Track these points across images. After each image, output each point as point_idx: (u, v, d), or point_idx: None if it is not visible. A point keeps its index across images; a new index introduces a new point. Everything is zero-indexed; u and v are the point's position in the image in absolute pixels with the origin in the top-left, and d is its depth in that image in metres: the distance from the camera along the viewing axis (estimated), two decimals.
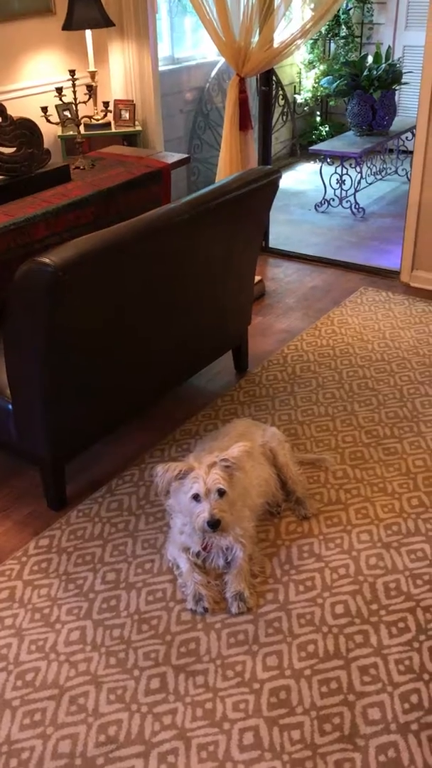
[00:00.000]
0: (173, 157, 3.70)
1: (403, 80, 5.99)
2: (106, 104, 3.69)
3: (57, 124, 3.60)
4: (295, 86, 6.88)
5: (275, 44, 4.04)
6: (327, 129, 7.04)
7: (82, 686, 1.97)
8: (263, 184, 2.88)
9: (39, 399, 2.38)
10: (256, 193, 2.87)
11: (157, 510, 2.58)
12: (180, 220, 2.54)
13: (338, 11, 6.34)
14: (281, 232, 5.25)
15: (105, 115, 3.78)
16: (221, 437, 2.53)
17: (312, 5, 5.73)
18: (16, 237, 2.87)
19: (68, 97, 3.40)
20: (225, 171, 4.11)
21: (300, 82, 6.89)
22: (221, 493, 2.12)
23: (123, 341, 2.59)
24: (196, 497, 2.12)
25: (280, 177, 3.00)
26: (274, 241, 5.02)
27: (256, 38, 4.01)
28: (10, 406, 2.47)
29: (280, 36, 4.08)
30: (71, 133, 4.19)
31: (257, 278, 4.08)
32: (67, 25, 4.15)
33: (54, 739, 1.83)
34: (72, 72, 3.34)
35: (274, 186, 2.97)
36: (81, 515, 2.61)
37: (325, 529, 2.50)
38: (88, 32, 4.24)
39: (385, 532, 2.48)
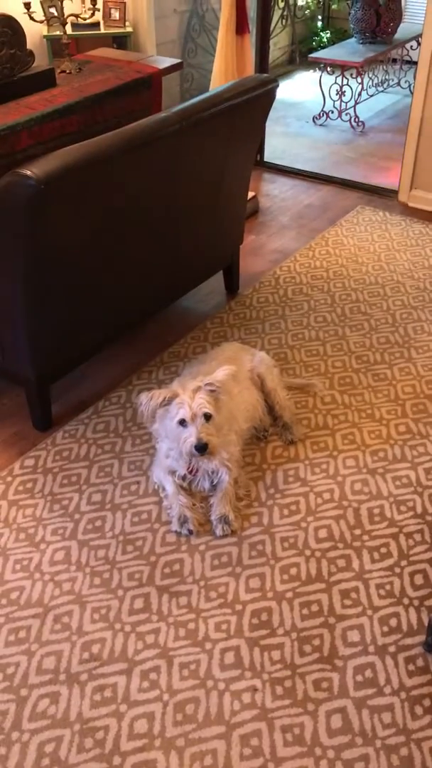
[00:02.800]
0: (165, 62, 3.49)
1: None
2: (94, 2, 3.44)
3: (41, 22, 3.37)
4: None
5: None
6: (328, 35, 6.68)
7: (66, 605, 1.99)
8: (259, 93, 2.72)
9: (21, 318, 2.31)
10: (252, 103, 2.71)
11: (144, 432, 2.56)
12: (171, 130, 2.41)
13: None
14: (277, 145, 5.05)
15: (93, 14, 3.54)
16: (209, 361, 2.49)
17: None
18: None
19: None
20: (220, 78, 3.90)
21: None
22: (207, 417, 2.10)
23: (109, 258, 2.50)
24: (182, 422, 2.10)
25: (278, 86, 2.84)
26: (269, 155, 4.83)
27: None
28: None
29: None
30: (57, 33, 3.94)
31: (251, 194, 3.94)
32: None
33: (39, 655, 1.86)
34: None
35: (270, 96, 2.82)
36: (67, 436, 2.59)
37: (311, 454, 2.49)
38: None
39: (371, 458, 2.48)
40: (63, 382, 2.71)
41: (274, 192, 4.46)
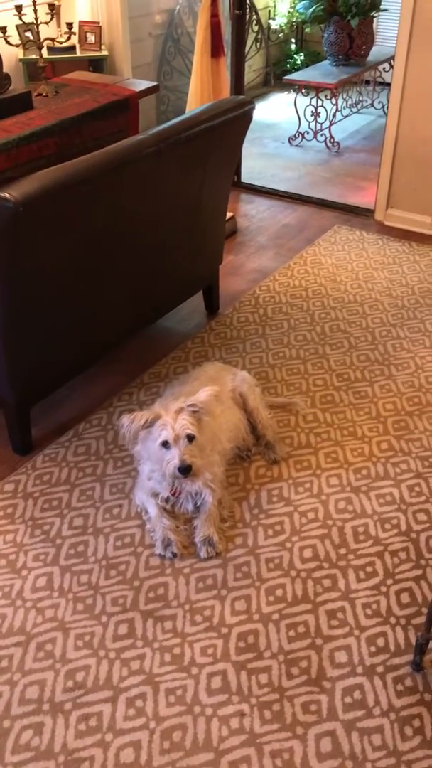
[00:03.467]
0: (141, 85, 3.51)
1: (381, 7, 5.76)
2: (70, 25, 3.46)
3: (17, 46, 3.38)
4: (269, 11, 6.58)
5: None
6: (302, 58, 6.78)
7: (49, 632, 1.95)
8: (236, 115, 2.75)
9: (2, 340, 2.29)
10: (229, 125, 2.73)
11: (126, 455, 2.54)
12: (148, 152, 2.41)
13: None
14: (254, 166, 5.09)
15: (69, 38, 3.56)
16: (190, 381, 2.48)
17: None
18: None
19: (29, 16, 3.18)
20: (195, 100, 3.93)
21: (275, 6, 6.58)
22: (190, 438, 2.08)
23: (88, 280, 2.49)
24: (165, 444, 2.08)
25: (254, 108, 2.87)
26: (246, 176, 4.87)
27: None
28: None
29: None
30: (33, 56, 3.95)
31: (229, 215, 3.96)
32: None
33: (21, 685, 1.82)
34: None
35: (247, 117, 2.84)
36: (47, 460, 2.56)
37: (294, 473, 2.49)
38: None
39: (354, 476, 2.48)
40: (42, 404, 2.69)
41: (251, 212, 4.49)
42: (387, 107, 4.12)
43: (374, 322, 3.33)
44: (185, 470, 2.06)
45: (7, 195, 2.00)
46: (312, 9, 5.73)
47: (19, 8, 3.15)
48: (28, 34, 3.78)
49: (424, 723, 1.74)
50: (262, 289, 3.60)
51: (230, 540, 2.23)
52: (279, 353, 3.11)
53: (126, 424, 2.11)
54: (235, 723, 1.74)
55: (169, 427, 2.06)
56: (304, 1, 5.91)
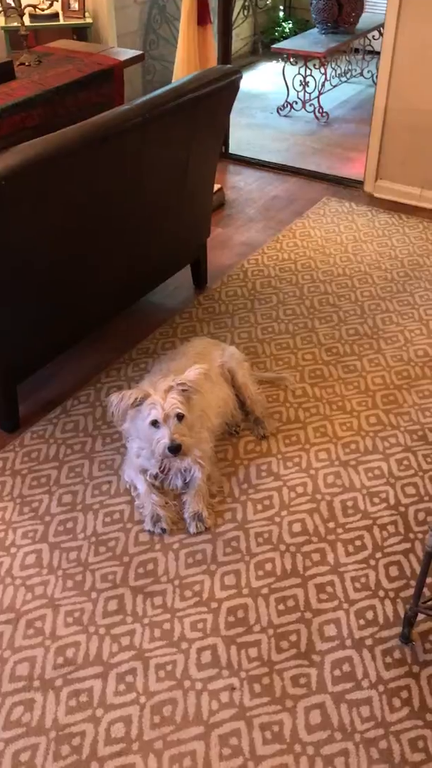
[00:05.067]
0: (126, 54, 3.44)
1: None
2: None
3: None
4: None
5: None
6: (290, 26, 6.66)
7: (39, 609, 1.95)
8: (223, 84, 2.69)
9: None
10: (215, 95, 2.68)
11: (114, 431, 2.53)
12: (133, 123, 2.36)
13: None
14: (242, 136, 5.02)
15: (51, 4, 3.47)
16: (179, 357, 2.46)
17: None
18: None
19: None
20: (182, 70, 3.85)
21: None
22: (180, 417, 2.07)
23: (74, 255, 2.45)
24: (154, 423, 2.07)
25: (241, 77, 2.81)
26: (234, 147, 4.80)
27: None
28: None
29: None
30: (15, 24, 3.85)
31: (216, 186, 3.91)
32: None
33: (11, 662, 1.83)
34: None
35: (234, 87, 2.79)
36: (35, 437, 2.54)
37: (283, 448, 2.48)
38: None
39: (343, 450, 2.48)
40: (29, 381, 2.66)
41: (240, 184, 4.43)
42: (376, 77, 4.05)
43: (363, 295, 3.31)
44: (175, 449, 2.05)
45: None
46: None
47: None
48: (9, 0, 3.68)
49: (411, 694, 1.76)
50: (250, 263, 3.57)
51: (219, 515, 2.23)
52: (268, 328, 3.09)
53: (115, 403, 2.09)
54: (225, 697, 1.75)
55: (158, 406, 2.05)
56: None
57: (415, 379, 2.80)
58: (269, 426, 2.53)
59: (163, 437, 2.05)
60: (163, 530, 2.16)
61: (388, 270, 3.50)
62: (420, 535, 2.17)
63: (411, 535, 2.17)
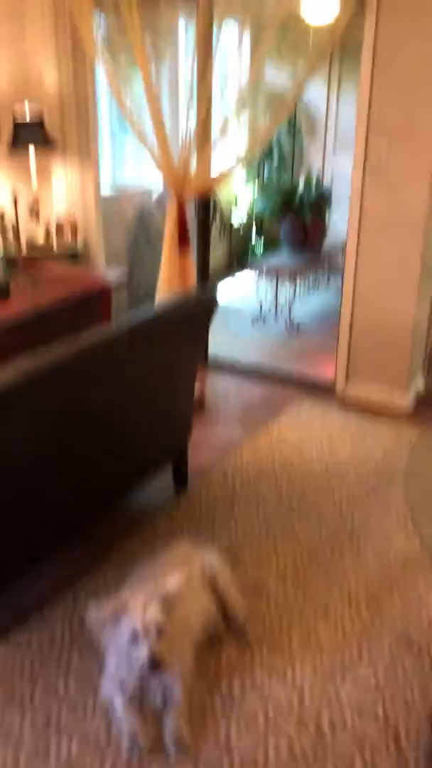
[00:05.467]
0: (114, 276, 3.78)
1: (332, 202, 6.37)
2: (48, 225, 3.77)
3: None
4: (231, 206, 7.22)
5: (213, 172, 4.25)
6: (262, 245, 7.36)
7: None
8: (201, 308, 2.95)
9: None
10: (195, 316, 2.93)
11: (92, 642, 2.45)
12: (119, 343, 2.56)
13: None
14: (220, 343, 5.34)
15: (47, 236, 3.85)
16: (159, 563, 2.45)
17: (248, 135, 6.13)
18: None
19: (10, 213, 3.46)
20: (165, 289, 4.20)
21: (236, 201, 7.24)
22: (160, 631, 2.03)
23: (55, 463, 2.52)
24: (133, 638, 2.02)
25: (218, 303, 3.06)
26: (213, 353, 5.10)
27: (194, 163, 4.21)
28: None
29: (217, 163, 4.30)
30: (11, 250, 4.24)
31: (196, 390, 4.11)
32: (11, 145, 4.28)
33: None
34: (15, 198, 3.42)
35: (212, 308, 3.05)
36: (8, 648, 2.45)
37: (267, 659, 2.41)
38: (32, 154, 4.37)
39: (329, 659, 2.41)
40: (5, 586, 2.61)
41: (218, 387, 4.66)
42: (341, 289, 4.44)
43: (341, 494, 3.38)
44: (155, 666, 1.99)
45: None
46: (269, 205, 6.31)
47: (1, 215, 3.43)
48: (9, 232, 4.10)
49: None
50: (230, 464, 3.67)
51: (201, 735, 2.11)
52: (248, 530, 3.11)
53: (93, 617, 2.05)
54: None
55: (137, 620, 2.01)
56: (262, 199, 6.52)
57: (398, 581, 2.79)
58: (252, 635, 2.47)
59: (141, 653, 1.99)
60: (141, 750, 2.03)
61: (363, 469, 3.61)
62: (413, 757, 2.05)
63: (403, 759, 2.05)
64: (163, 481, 3.43)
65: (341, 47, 5.60)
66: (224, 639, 2.48)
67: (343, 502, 3.33)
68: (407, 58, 3.63)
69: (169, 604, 2.07)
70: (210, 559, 2.55)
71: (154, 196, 5.95)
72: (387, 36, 3.65)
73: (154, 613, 2.02)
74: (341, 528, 3.12)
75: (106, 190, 5.30)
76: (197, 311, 2.91)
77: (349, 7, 3.56)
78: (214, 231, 6.30)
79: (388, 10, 3.60)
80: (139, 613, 2.02)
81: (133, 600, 2.07)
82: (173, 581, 2.10)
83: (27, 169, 4.43)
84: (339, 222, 6.72)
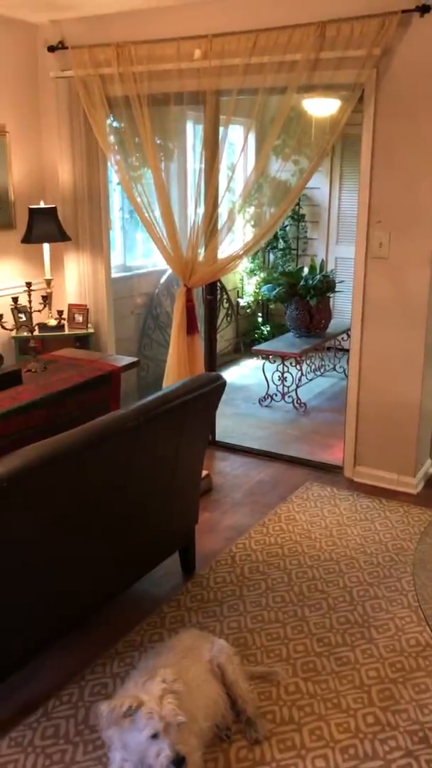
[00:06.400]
0: (123, 360, 3.85)
1: (336, 288, 6.53)
2: (60, 312, 3.88)
3: (11, 329, 3.74)
4: (238, 291, 7.41)
5: (219, 259, 4.39)
6: (268, 329, 7.50)
7: None
8: (208, 390, 2.99)
9: None
10: (202, 399, 2.97)
11: (97, 737, 2.37)
12: (129, 426, 2.59)
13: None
14: (227, 425, 5.38)
15: (60, 322, 3.95)
16: (166, 652, 2.41)
17: (253, 225, 6.36)
18: None
19: (23, 299, 3.56)
20: (173, 374, 4.28)
21: (242, 287, 7.43)
22: (179, 725, 1.97)
23: (64, 548, 2.52)
24: (154, 735, 1.95)
25: (224, 384, 3.12)
26: (220, 434, 5.13)
27: (202, 253, 4.36)
28: None
29: (224, 252, 4.45)
30: (25, 335, 4.35)
31: (204, 472, 4.11)
32: (26, 239, 4.46)
33: None
34: (28, 284, 3.54)
35: (218, 392, 3.10)
36: (13, 744, 2.38)
37: (278, 755, 2.33)
38: (46, 247, 4.54)
39: (341, 756, 2.32)
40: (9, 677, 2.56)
41: (226, 469, 4.66)
42: (347, 371, 4.50)
43: (351, 580, 3.33)
44: (179, 762, 1.91)
45: None
46: (275, 291, 6.48)
47: (15, 299, 3.55)
48: (22, 316, 4.21)
49: None
50: (238, 547, 3.63)
51: None
52: (257, 616, 3.06)
53: (106, 714, 1.99)
54: None
55: (156, 716, 1.94)
56: (268, 285, 6.70)
57: (410, 672, 2.72)
58: (262, 728, 2.40)
59: (163, 749, 1.92)
60: None
61: (373, 554, 3.57)
62: None
63: None
64: (170, 567, 3.40)
65: (342, 139, 5.88)
66: (233, 734, 2.40)
67: (353, 588, 3.27)
68: (405, 151, 3.81)
69: (178, 693, 2.02)
70: (218, 648, 2.50)
71: (163, 278, 6.13)
72: (385, 131, 3.84)
73: (172, 705, 1.95)
74: (352, 616, 3.06)
75: (116, 272, 5.47)
76: (205, 392, 2.95)
77: (350, 103, 3.76)
78: (221, 315, 6.43)
79: (385, 108, 3.80)
80: (156, 707, 1.96)
81: (146, 693, 2.00)
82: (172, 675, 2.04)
83: (41, 258, 4.60)
84: (344, 306, 6.89)
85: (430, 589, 2.33)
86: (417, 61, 3.66)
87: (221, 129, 4.19)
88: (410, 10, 3.54)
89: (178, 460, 3.01)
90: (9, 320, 4.27)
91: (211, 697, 2.33)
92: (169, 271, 6.07)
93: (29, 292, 3.53)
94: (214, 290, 4.92)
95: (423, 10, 3.53)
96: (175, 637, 2.58)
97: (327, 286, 6.36)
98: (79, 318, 4.75)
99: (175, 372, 4.23)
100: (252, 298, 7.41)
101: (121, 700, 1.99)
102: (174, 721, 1.95)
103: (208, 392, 3.00)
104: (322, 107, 5.00)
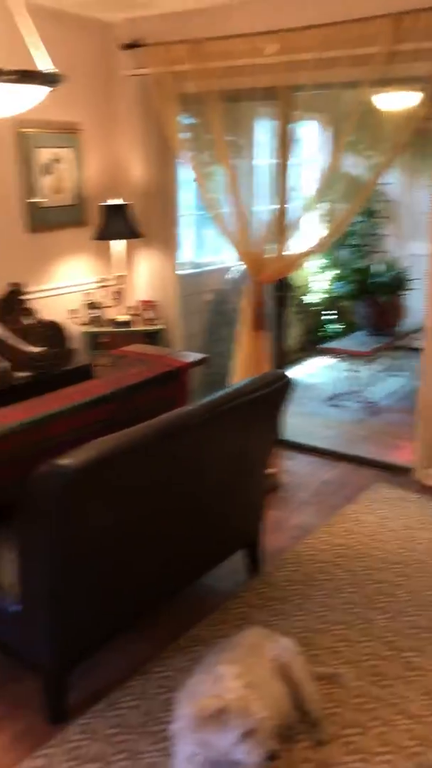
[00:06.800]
0: (191, 357, 3.86)
1: (408, 286, 6.38)
2: (130, 308, 3.92)
3: (83, 325, 3.81)
4: (307, 287, 7.33)
5: (290, 255, 4.36)
6: (339, 327, 7.40)
7: None
8: (275, 388, 2.96)
9: (47, 607, 2.31)
10: (269, 397, 2.95)
11: (162, 728, 2.40)
12: (196, 422, 2.60)
13: None
14: (294, 423, 5.32)
15: (130, 318, 4.00)
16: (230, 648, 2.40)
17: (325, 221, 6.28)
18: (33, 433, 2.93)
19: (96, 296, 3.62)
20: (239, 371, 4.27)
21: (312, 284, 7.35)
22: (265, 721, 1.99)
23: (135, 541, 2.55)
24: (248, 736, 1.96)
25: (290, 382, 3.07)
26: (287, 433, 5.09)
27: (273, 249, 4.33)
28: (18, 608, 2.38)
29: (295, 248, 4.41)
30: (95, 330, 4.43)
31: (271, 470, 4.09)
32: (99, 237, 4.53)
33: None
34: (101, 280, 3.58)
35: (285, 390, 3.06)
36: (79, 732, 2.43)
37: (343, 757, 2.30)
38: (116, 244, 4.61)
39: (407, 764, 2.27)
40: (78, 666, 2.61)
41: (293, 468, 4.63)
42: (420, 371, 4.39)
43: (420, 585, 3.26)
44: (273, 757, 1.95)
45: (65, 462, 2.15)
46: (346, 288, 6.39)
47: (88, 295, 3.61)
48: (94, 311, 4.28)
49: None
50: (304, 547, 3.60)
51: None
52: (323, 617, 3.02)
53: (190, 716, 2.01)
54: None
55: (245, 716, 1.96)
56: (339, 282, 6.61)
57: None
58: (326, 730, 2.37)
59: (255, 747, 1.94)
60: None
61: None
62: None
63: None
64: (235, 563, 3.39)
65: (417, 133, 5.75)
66: (298, 734, 2.38)
67: (422, 593, 3.19)
68: None
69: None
70: (283, 646, 2.48)
71: (232, 274, 6.13)
72: None
73: (259, 706, 1.97)
74: (421, 621, 2.99)
75: (186, 268, 5.50)
76: (271, 391, 2.93)
77: (428, 96, 3.67)
78: (291, 312, 6.39)
79: None
80: (245, 708, 1.97)
81: (229, 692, 2.01)
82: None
83: (112, 254, 4.67)
84: (418, 304, 6.73)
85: None
86: None
87: (294, 125, 4.16)
88: None
89: (243, 457, 3.01)
90: (81, 317, 4.35)
91: (275, 696, 2.31)
92: (239, 267, 6.07)
93: (104, 287, 3.59)
94: (282, 287, 4.89)
95: None
96: (239, 635, 2.57)
97: (398, 283, 6.23)
98: (150, 314, 4.80)
99: (242, 370, 4.23)
100: (322, 296, 7.32)
101: (207, 702, 2.00)
102: (261, 719, 1.97)
103: (275, 390, 2.98)
104: (396, 101, 4.89)
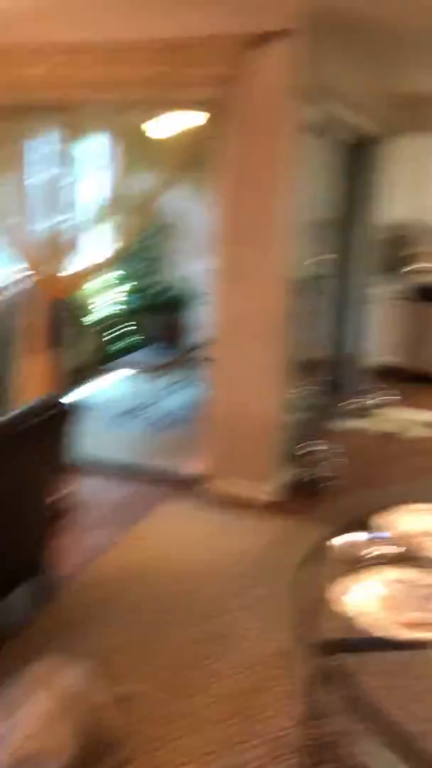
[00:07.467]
0: None
1: (195, 301, 6.60)
2: None
3: None
4: (92, 304, 7.28)
5: (77, 271, 4.30)
6: (127, 343, 7.43)
7: None
8: (48, 417, 2.86)
9: None
10: (42, 426, 2.83)
11: None
12: None
13: None
14: (86, 442, 5.24)
15: None
16: (15, 691, 2.27)
17: (112, 237, 6.30)
18: None
19: None
20: (24, 392, 4.12)
21: (104, 297, 7.32)
22: None
23: None
24: None
25: (68, 410, 2.99)
26: (79, 452, 4.98)
27: (59, 265, 4.25)
28: None
29: (81, 264, 4.37)
30: None
31: (62, 494, 3.98)
32: None
33: None
34: None
35: (61, 418, 2.95)
36: None
37: None
38: None
39: None
40: None
41: (86, 488, 4.53)
42: (203, 385, 4.55)
43: (215, 591, 3.34)
44: None
45: None
46: (131, 304, 6.45)
47: None
48: None
49: None
50: (99, 567, 3.55)
51: None
52: (122, 635, 2.99)
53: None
54: None
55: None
56: (136, 294, 6.65)
57: (268, 680, 2.75)
58: (129, 749, 2.33)
59: None
60: None
61: (233, 566, 3.58)
62: None
63: None
64: (27, 593, 3.24)
65: (205, 153, 5.98)
66: (100, 757, 2.31)
67: (217, 600, 3.27)
68: (257, 169, 3.93)
69: None
70: (74, 675, 2.38)
71: (11, 291, 5.89)
72: (238, 149, 3.94)
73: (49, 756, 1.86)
74: (213, 630, 3.05)
75: None
76: (44, 419, 2.82)
77: (202, 119, 3.84)
78: (76, 330, 6.31)
79: (237, 127, 3.90)
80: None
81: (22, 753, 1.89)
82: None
83: None
84: (206, 319, 6.97)
85: (275, 595, 2.36)
86: (263, 84, 3.79)
87: (73, 142, 4.13)
88: (258, 34, 3.66)
89: (17, 493, 2.86)
90: None
91: (67, 732, 2.21)
92: (18, 284, 5.85)
93: None
94: (67, 304, 4.81)
95: (265, 37, 3.66)
96: (27, 669, 2.44)
97: (183, 299, 6.43)
98: None
99: (28, 391, 4.08)
100: (108, 313, 7.31)
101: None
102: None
103: (49, 419, 2.88)
104: (171, 125, 5.04)
